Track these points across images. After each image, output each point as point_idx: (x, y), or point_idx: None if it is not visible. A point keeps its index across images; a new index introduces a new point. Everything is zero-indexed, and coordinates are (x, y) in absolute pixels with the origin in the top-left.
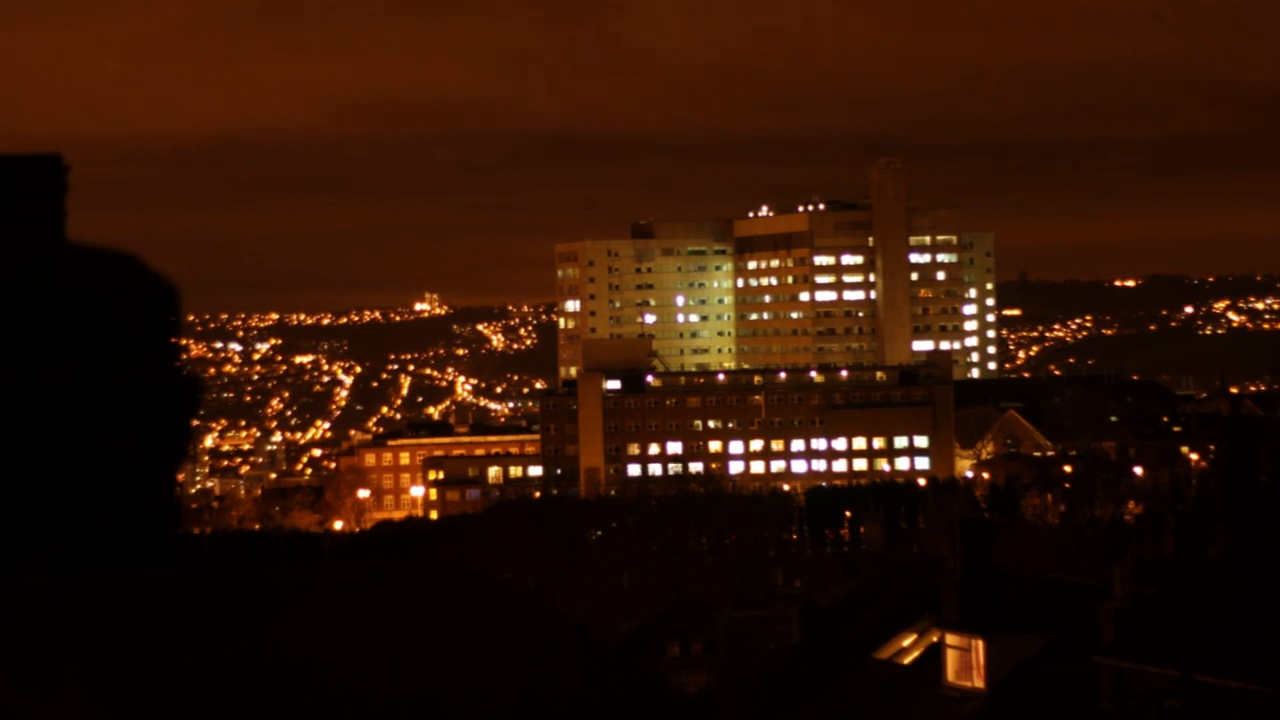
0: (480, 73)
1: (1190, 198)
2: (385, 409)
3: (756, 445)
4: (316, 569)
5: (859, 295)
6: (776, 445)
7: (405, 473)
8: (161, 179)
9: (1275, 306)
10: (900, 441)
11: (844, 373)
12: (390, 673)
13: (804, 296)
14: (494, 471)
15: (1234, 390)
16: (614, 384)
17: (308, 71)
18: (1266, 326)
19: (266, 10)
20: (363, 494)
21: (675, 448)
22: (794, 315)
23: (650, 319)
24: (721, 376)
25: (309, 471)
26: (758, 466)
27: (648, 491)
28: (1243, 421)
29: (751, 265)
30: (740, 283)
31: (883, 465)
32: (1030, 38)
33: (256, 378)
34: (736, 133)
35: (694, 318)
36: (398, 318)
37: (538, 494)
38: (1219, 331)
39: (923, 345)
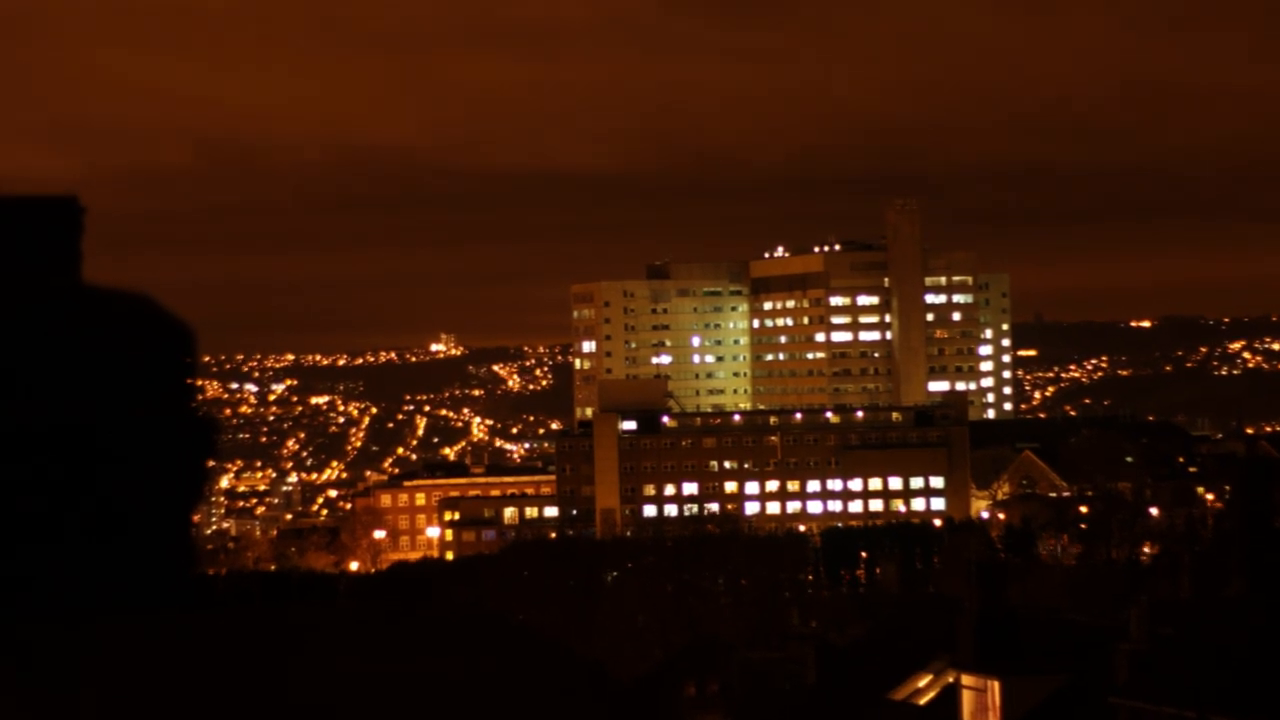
0: (493, 113)
1: (1205, 239)
2: (401, 449)
3: (772, 486)
4: (331, 609)
5: (875, 336)
6: (792, 486)
7: (421, 513)
8: (176, 221)
9: None
10: (916, 482)
11: (860, 413)
12: (406, 715)
13: (820, 337)
14: (510, 512)
15: (1249, 431)
16: (630, 425)
17: (321, 114)
18: None
19: (278, 57)
20: (378, 535)
21: (691, 488)
22: (810, 356)
23: (666, 360)
24: (737, 417)
25: (325, 512)
26: (773, 507)
27: (663, 532)
28: (1258, 463)
29: (767, 306)
30: (756, 323)
31: (898, 506)
32: (1043, 78)
33: (272, 418)
34: (752, 173)
35: (710, 358)
36: (413, 358)
37: (554, 535)
38: (1235, 372)
39: (938, 386)
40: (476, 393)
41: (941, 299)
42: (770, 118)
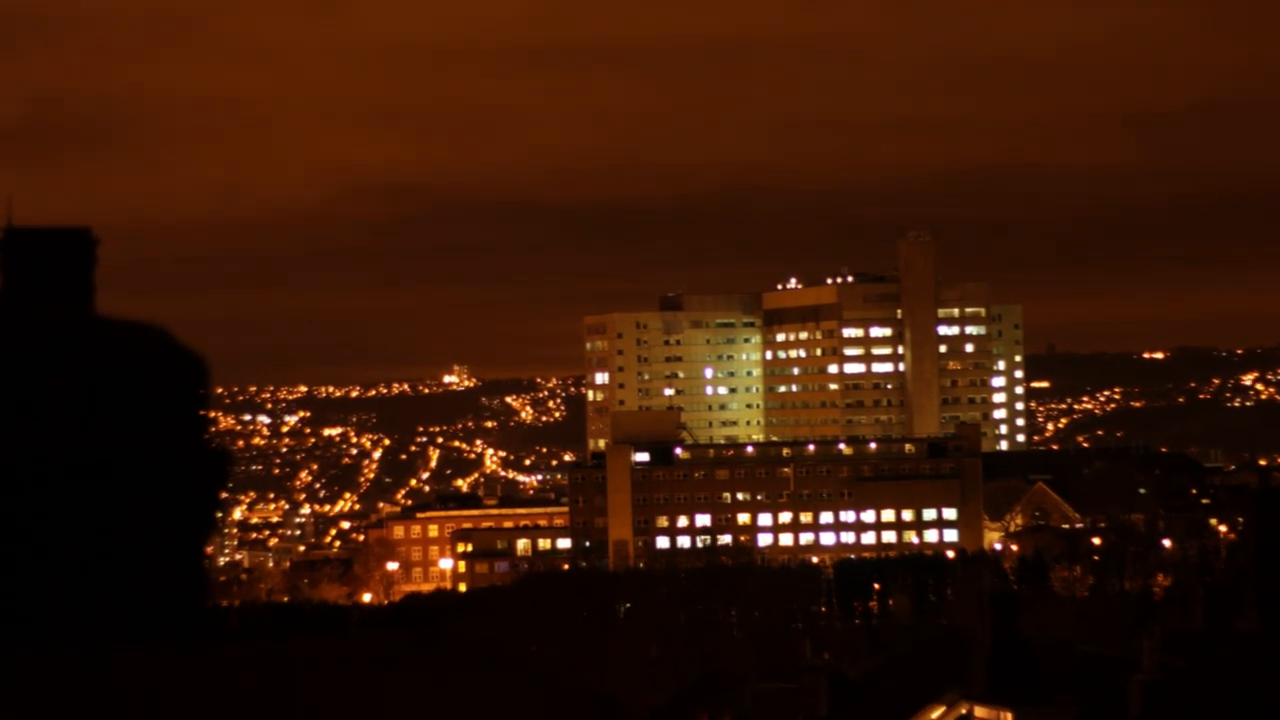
0: (506, 148)
1: (1219, 271)
2: (414, 481)
3: (785, 517)
4: (344, 641)
5: (887, 367)
6: (805, 517)
7: (434, 545)
8: (191, 257)
9: None
10: (929, 514)
11: (872, 445)
12: None
13: (832, 369)
14: (523, 544)
15: (1262, 462)
16: (642, 456)
17: (336, 151)
18: None
19: (291, 91)
20: (391, 566)
21: (704, 520)
22: (823, 387)
23: (679, 391)
24: (750, 449)
25: (337, 544)
26: (786, 539)
27: (676, 564)
28: (1271, 494)
29: (780, 337)
30: (769, 355)
31: (911, 537)
32: (1058, 113)
33: (285, 450)
34: (766, 204)
35: (722, 390)
36: (426, 390)
37: (566, 566)
38: (1247, 404)
39: (951, 417)
40: (489, 424)
41: (954, 330)
42: (782, 149)
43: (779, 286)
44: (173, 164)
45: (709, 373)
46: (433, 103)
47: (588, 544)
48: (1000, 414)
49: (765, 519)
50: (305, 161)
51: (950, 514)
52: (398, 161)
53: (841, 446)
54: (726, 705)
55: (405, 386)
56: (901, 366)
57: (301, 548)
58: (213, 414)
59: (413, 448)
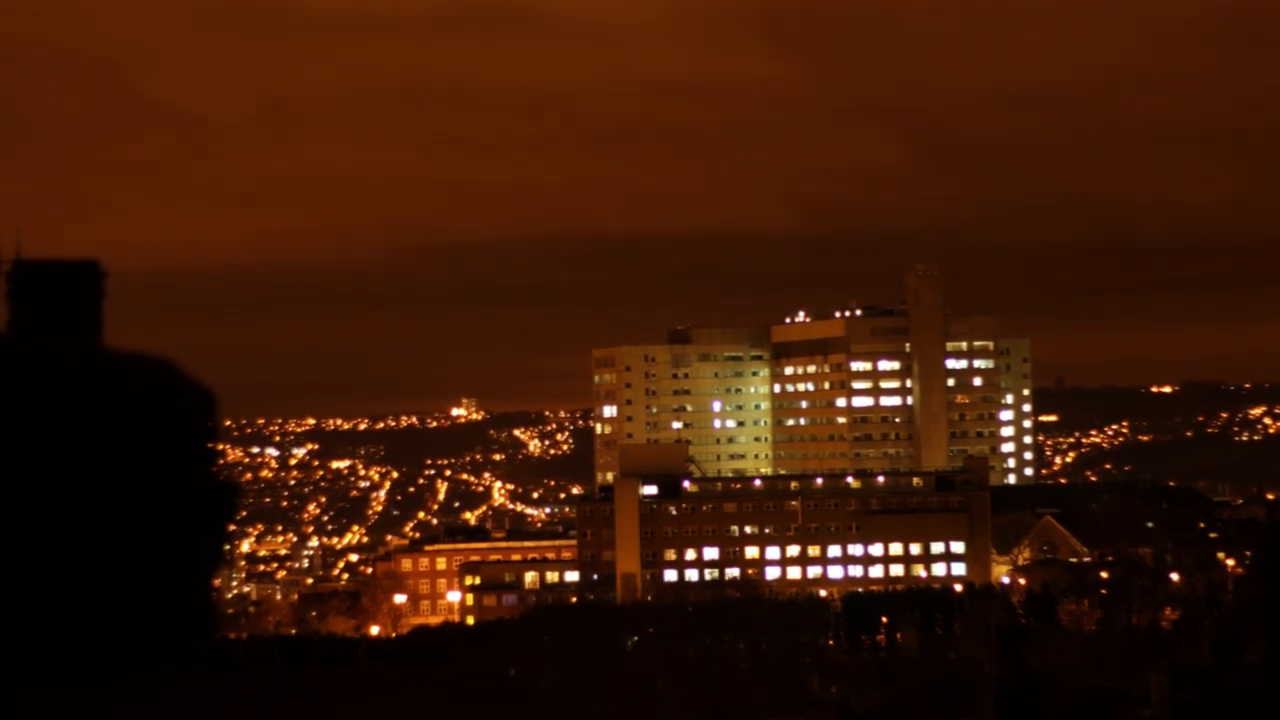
0: (514, 175)
1: (1230, 306)
2: (422, 514)
3: (793, 551)
4: (353, 674)
5: (896, 401)
6: (813, 551)
7: (442, 578)
8: (201, 289)
9: None
10: (937, 547)
11: (881, 479)
12: None
13: (841, 402)
14: (530, 577)
15: (1270, 496)
16: (650, 489)
17: (345, 181)
18: None
19: (286, 130)
20: (399, 599)
21: (712, 553)
22: (830, 421)
23: (687, 425)
24: (758, 482)
25: (345, 576)
26: (794, 572)
27: (684, 597)
28: (1279, 528)
29: (788, 371)
30: (777, 388)
31: (919, 571)
32: (1068, 139)
33: (293, 483)
34: (773, 238)
35: (730, 423)
36: (434, 423)
37: (574, 599)
38: (1255, 438)
39: (959, 451)
40: (497, 457)
41: (963, 364)
42: (796, 181)
43: (787, 320)
44: (183, 197)
45: (717, 406)
46: (436, 138)
47: (595, 577)
48: (1008, 447)
49: (773, 552)
50: (317, 194)
51: (958, 547)
52: (405, 186)
53: (849, 480)
54: None
55: (413, 419)
56: (909, 400)
57: (309, 580)
58: (221, 446)
59: (421, 480)
